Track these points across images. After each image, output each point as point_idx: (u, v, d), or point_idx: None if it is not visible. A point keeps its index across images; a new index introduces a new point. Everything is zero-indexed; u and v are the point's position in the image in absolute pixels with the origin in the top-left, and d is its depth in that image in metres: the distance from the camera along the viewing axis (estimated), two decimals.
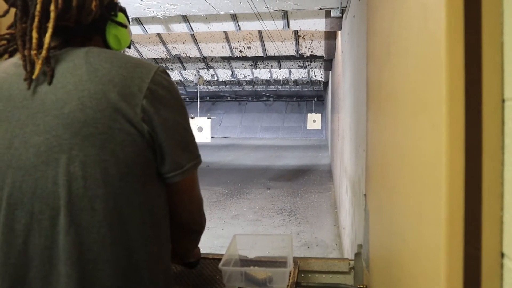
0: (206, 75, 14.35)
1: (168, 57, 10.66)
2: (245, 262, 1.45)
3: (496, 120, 0.52)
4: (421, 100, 0.64)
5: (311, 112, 22.75)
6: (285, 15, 6.15)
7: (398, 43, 0.81)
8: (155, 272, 0.86)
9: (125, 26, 0.97)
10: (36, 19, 0.80)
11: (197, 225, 1.04)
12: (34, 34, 0.80)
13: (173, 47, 10.15)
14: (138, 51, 9.80)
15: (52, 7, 0.80)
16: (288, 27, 6.40)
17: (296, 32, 8.79)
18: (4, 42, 0.89)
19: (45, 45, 0.79)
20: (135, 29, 6.83)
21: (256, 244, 1.55)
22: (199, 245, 1.23)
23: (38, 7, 0.80)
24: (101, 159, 0.77)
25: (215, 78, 15.00)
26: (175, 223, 0.96)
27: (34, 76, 0.79)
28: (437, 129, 0.56)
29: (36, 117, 0.78)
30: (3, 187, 0.78)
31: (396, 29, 0.83)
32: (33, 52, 0.80)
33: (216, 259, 1.54)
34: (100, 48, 0.86)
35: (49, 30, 0.80)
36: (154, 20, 6.46)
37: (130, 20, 6.16)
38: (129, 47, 1.00)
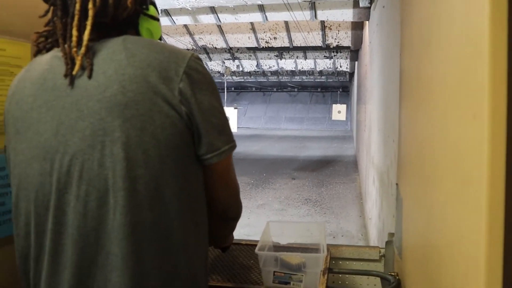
0: (232, 65, 14.38)
1: (195, 47, 10.72)
2: (278, 248, 1.49)
3: None
4: (463, 91, 0.65)
5: (336, 103, 22.55)
6: (313, 5, 6.12)
7: (438, 34, 0.82)
8: (191, 254, 0.89)
9: (157, 19, 1.00)
10: (76, 18, 0.84)
11: (234, 212, 1.06)
12: (74, 32, 0.84)
13: (200, 38, 10.20)
14: (165, 42, 9.88)
15: (90, 5, 0.84)
16: (316, 17, 6.37)
17: (322, 22, 8.72)
18: (42, 39, 0.93)
19: (84, 42, 0.83)
20: (163, 21, 6.90)
21: (288, 230, 1.59)
22: None
23: (77, 6, 0.84)
24: (142, 140, 0.80)
25: (240, 69, 15.01)
26: (212, 210, 0.99)
27: (74, 72, 0.83)
28: (478, 120, 0.58)
29: (79, 103, 0.82)
30: (52, 173, 0.83)
31: (436, 20, 0.84)
32: (73, 49, 0.84)
33: (250, 245, 1.58)
34: (136, 36, 0.90)
35: (88, 28, 0.84)
36: (182, 11, 6.51)
37: (160, 12, 6.23)
38: (160, 39, 1.02)
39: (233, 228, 1.16)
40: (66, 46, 0.85)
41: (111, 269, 0.81)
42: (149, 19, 0.97)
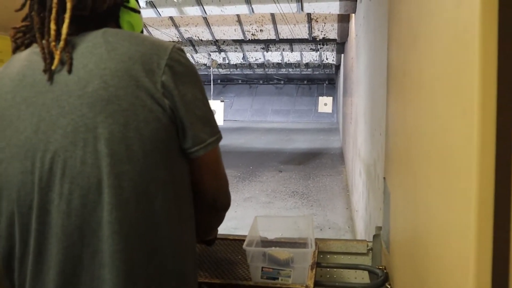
0: (218, 58, 14.32)
1: (180, 40, 10.64)
2: (266, 243, 1.49)
3: None
4: (452, 85, 0.65)
5: (322, 95, 22.56)
6: None
7: (427, 28, 0.82)
8: (179, 249, 0.88)
9: (138, 12, 0.99)
10: (54, 11, 0.82)
11: (223, 203, 1.05)
12: (52, 26, 0.82)
13: (186, 30, 10.14)
14: (150, 34, 9.79)
15: None
16: (302, 10, 6.36)
17: (309, 15, 8.72)
18: (20, 34, 0.91)
19: (63, 36, 0.81)
20: (148, 12, 6.84)
21: (276, 225, 1.58)
22: None
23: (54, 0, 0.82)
24: (125, 136, 0.78)
25: (226, 61, 14.96)
26: (202, 201, 0.98)
27: (53, 67, 0.81)
28: (468, 114, 0.58)
29: (60, 99, 0.80)
30: (34, 171, 0.80)
31: (425, 13, 0.84)
32: (52, 44, 0.82)
33: (237, 240, 1.58)
34: (116, 29, 0.88)
35: (66, 21, 0.82)
36: (167, 3, 6.45)
37: (145, 4, 6.16)
38: (141, 32, 1.00)
39: (221, 219, 1.15)
40: (44, 41, 0.83)
41: (99, 267, 0.80)
42: (130, 12, 0.96)
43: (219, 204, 1.05)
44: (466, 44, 0.58)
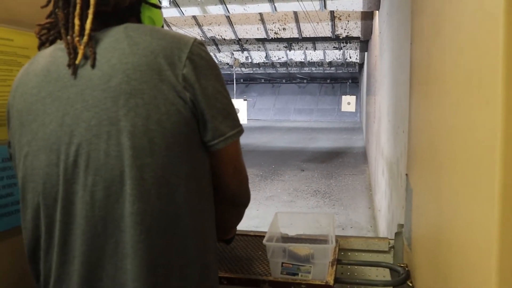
0: (240, 57, 14.36)
1: (203, 39, 10.70)
2: (287, 239, 1.48)
3: None
4: (475, 78, 0.64)
5: (345, 94, 22.41)
6: None
7: (450, 22, 0.81)
8: (200, 241, 0.88)
9: (159, 7, 1.00)
10: (78, 7, 0.84)
11: (243, 198, 1.05)
12: (76, 21, 0.84)
13: (209, 29, 10.20)
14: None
15: None
16: (325, 7, 6.33)
17: (332, 12, 8.67)
18: (44, 31, 0.93)
19: (87, 31, 0.83)
20: (172, 12, 6.89)
21: (297, 222, 1.58)
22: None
23: None
24: (148, 129, 0.79)
25: (249, 60, 15.00)
26: (222, 197, 0.98)
27: (77, 61, 0.83)
28: (492, 105, 0.57)
29: (84, 93, 0.82)
30: (59, 163, 0.83)
31: (448, 8, 0.82)
32: (76, 38, 0.84)
33: (258, 236, 1.58)
34: (137, 24, 0.90)
35: (90, 17, 0.83)
36: (190, 2, 6.50)
37: (168, 3, 6.21)
38: (162, 27, 1.01)
39: (241, 215, 1.15)
40: (68, 36, 0.85)
41: (122, 257, 0.81)
42: (151, 7, 0.97)
43: (239, 200, 1.05)
44: (490, 32, 0.57)
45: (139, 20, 0.96)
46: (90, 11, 0.83)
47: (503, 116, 0.54)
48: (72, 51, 0.84)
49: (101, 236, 0.81)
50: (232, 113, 0.90)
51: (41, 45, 0.94)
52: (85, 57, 0.84)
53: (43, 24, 0.93)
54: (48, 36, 0.93)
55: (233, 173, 0.98)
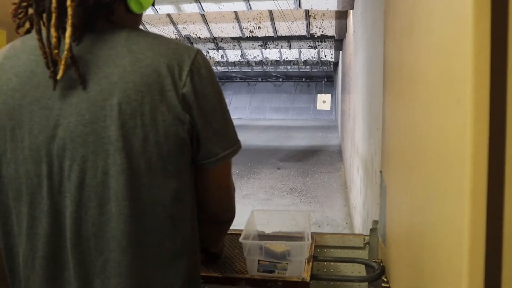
0: (216, 55, 14.30)
1: (178, 37, 10.62)
2: (263, 237, 1.49)
3: None
4: (446, 78, 0.65)
5: (320, 92, 22.59)
6: None
7: (421, 22, 0.82)
8: (189, 259, 0.89)
9: None
10: (54, 16, 0.75)
11: (224, 216, 1.03)
12: (53, 33, 0.76)
13: (183, 28, 10.11)
14: (148, 31, 9.78)
15: (68, 2, 0.75)
16: (300, 6, 6.36)
17: (307, 11, 8.71)
18: (22, 11, 0.82)
19: (66, 46, 0.75)
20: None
21: (273, 219, 1.59)
22: None
23: (53, 3, 0.75)
24: (145, 150, 0.78)
25: (225, 59, 14.95)
26: (203, 211, 0.97)
27: (58, 77, 0.76)
28: (462, 105, 0.58)
29: (80, 107, 0.78)
30: (51, 175, 0.80)
31: (418, 8, 0.84)
32: (55, 52, 0.76)
33: (234, 234, 1.58)
34: (138, 32, 0.85)
35: (69, 29, 0.75)
36: (165, 0, 6.44)
37: None
38: (153, 4, 0.94)
39: (223, 231, 1.13)
40: (45, 46, 0.77)
41: (110, 276, 0.81)
42: None
43: (218, 218, 1.03)
44: (459, 32, 0.59)
45: (126, 5, 0.86)
46: (69, 23, 0.75)
47: (473, 115, 0.55)
48: (52, 65, 0.77)
49: (92, 251, 0.80)
50: (228, 131, 0.90)
51: (19, 27, 0.83)
52: (76, 66, 0.77)
53: (19, 2, 0.81)
54: (27, 18, 0.82)
55: (215, 190, 0.96)
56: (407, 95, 0.96)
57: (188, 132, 0.82)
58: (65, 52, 0.75)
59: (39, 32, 0.78)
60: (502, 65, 0.55)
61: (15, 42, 0.86)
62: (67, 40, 0.75)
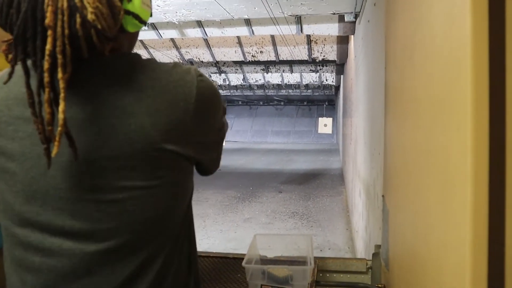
0: (218, 79, 14.40)
1: (181, 61, 10.73)
2: (266, 261, 1.48)
3: None
4: (447, 104, 0.66)
5: (322, 116, 22.65)
6: (299, 20, 6.19)
7: (422, 49, 0.84)
8: (184, 272, 0.89)
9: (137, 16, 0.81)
10: (47, 91, 0.69)
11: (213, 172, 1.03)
12: (47, 108, 0.70)
13: (186, 52, 10.23)
14: (151, 55, 9.88)
15: (59, 75, 0.69)
16: (302, 31, 6.43)
17: (308, 36, 8.82)
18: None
19: (60, 121, 0.69)
20: (149, 34, 6.91)
21: (275, 244, 1.58)
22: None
23: (46, 78, 0.69)
24: (149, 185, 0.77)
25: (227, 83, 15.03)
26: None
27: (53, 155, 0.70)
28: (463, 131, 0.59)
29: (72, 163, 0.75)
30: (41, 212, 0.77)
31: (420, 35, 0.86)
32: (48, 128, 0.70)
33: (237, 258, 1.58)
34: (138, 66, 0.80)
35: (62, 103, 0.69)
36: (168, 25, 6.53)
37: (146, 26, 6.22)
38: (151, 15, 0.86)
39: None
40: (38, 122, 0.71)
41: None
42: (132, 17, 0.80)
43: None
44: (459, 61, 0.60)
45: (121, 26, 0.78)
46: (61, 96, 0.69)
47: (473, 142, 0.56)
48: (45, 141, 0.71)
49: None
50: (220, 154, 0.99)
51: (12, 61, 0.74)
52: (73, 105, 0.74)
53: (8, 40, 0.75)
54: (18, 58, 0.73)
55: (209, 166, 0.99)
56: (409, 120, 0.97)
57: (190, 162, 0.86)
58: (59, 129, 0.69)
59: (32, 105, 0.71)
60: (501, 97, 0.56)
61: (6, 70, 0.78)
62: (60, 115, 0.69)
